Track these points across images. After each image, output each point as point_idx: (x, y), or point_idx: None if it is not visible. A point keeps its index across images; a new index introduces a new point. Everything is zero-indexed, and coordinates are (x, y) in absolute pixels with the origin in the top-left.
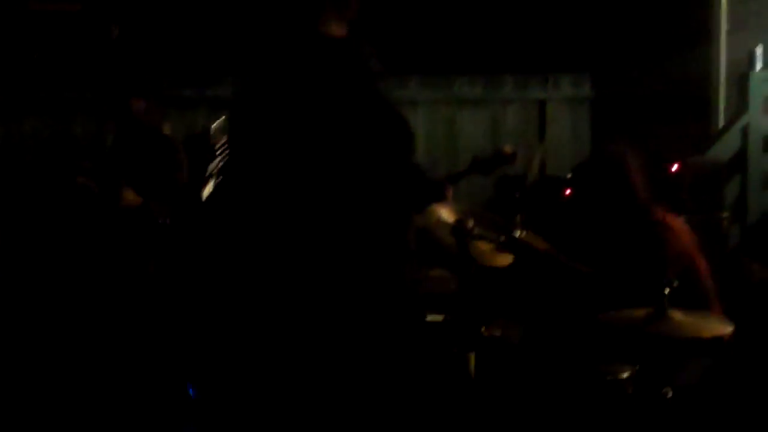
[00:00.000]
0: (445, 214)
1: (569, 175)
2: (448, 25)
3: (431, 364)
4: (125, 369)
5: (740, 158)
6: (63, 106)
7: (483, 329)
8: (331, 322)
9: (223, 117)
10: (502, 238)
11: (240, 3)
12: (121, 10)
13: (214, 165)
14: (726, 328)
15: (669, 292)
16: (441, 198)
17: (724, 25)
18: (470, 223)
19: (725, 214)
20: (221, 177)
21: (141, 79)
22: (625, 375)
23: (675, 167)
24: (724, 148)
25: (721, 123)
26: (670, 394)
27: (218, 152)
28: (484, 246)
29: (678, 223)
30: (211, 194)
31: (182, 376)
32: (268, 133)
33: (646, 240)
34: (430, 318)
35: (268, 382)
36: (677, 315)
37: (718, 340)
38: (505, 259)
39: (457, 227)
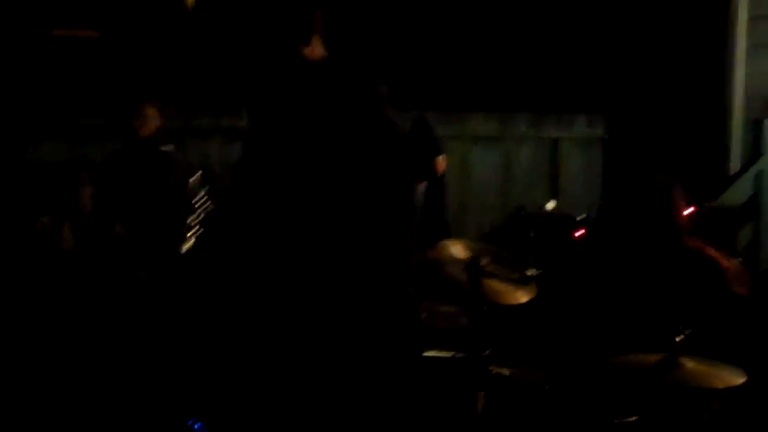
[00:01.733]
0: (459, 250)
1: (580, 217)
2: (464, 63)
3: (437, 401)
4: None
5: (753, 204)
6: (79, 132)
7: (492, 368)
8: (330, 338)
9: (199, 173)
10: (515, 276)
11: (245, 34)
12: (137, 39)
13: (193, 218)
14: (738, 379)
15: (681, 340)
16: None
17: (740, 72)
18: (484, 261)
19: (738, 260)
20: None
21: (150, 89)
22: (633, 419)
23: (688, 211)
24: (737, 194)
25: (735, 168)
26: None
27: (197, 206)
28: (496, 284)
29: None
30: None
31: (188, 406)
32: (267, 157)
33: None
34: (439, 354)
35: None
36: (689, 363)
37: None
38: (517, 298)
39: (471, 264)
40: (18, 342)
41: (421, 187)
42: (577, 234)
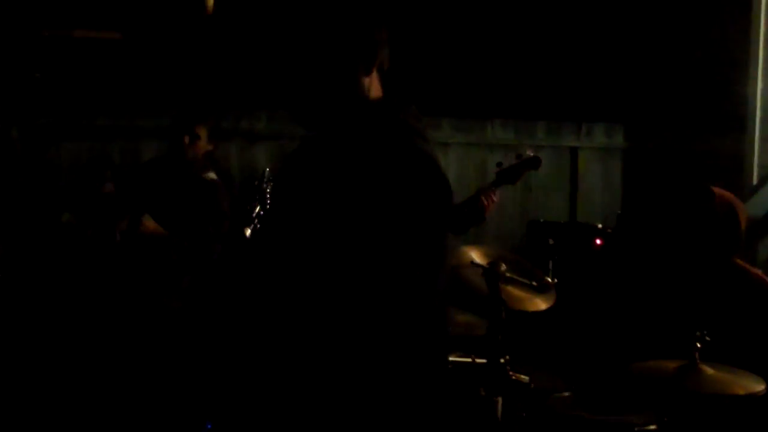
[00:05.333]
0: (477, 257)
1: (601, 226)
2: (483, 70)
3: (456, 405)
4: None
5: None
6: (99, 133)
7: (511, 373)
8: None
9: (267, 169)
10: (534, 283)
11: (279, 41)
12: (159, 39)
13: (260, 209)
14: (758, 386)
15: (701, 347)
16: (481, 216)
17: (759, 82)
18: (502, 267)
19: (759, 271)
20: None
21: (203, 114)
22: (653, 427)
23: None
24: (757, 205)
25: (756, 179)
26: None
27: (267, 195)
28: (515, 290)
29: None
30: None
31: (200, 410)
32: (305, 197)
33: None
34: (458, 359)
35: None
36: (709, 370)
37: (751, 396)
38: (536, 304)
39: (489, 270)
40: (37, 336)
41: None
42: (598, 243)
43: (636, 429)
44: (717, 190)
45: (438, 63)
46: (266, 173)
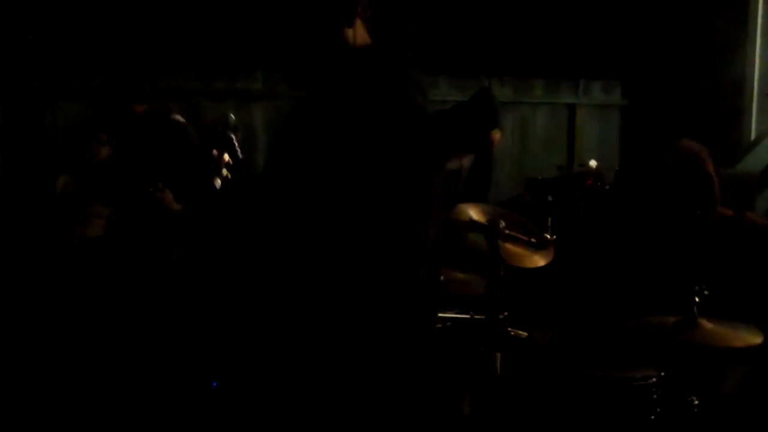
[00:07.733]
0: (476, 214)
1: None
2: (481, 28)
3: (453, 363)
4: (140, 364)
5: None
6: (95, 94)
7: (510, 330)
8: (337, 320)
9: (232, 116)
10: (533, 240)
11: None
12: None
13: (230, 158)
14: (756, 338)
15: (699, 301)
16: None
17: (758, 38)
18: (501, 224)
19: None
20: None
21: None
22: (652, 380)
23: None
24: (755, 161)
25: (754, 134)
26: (696, 402)
27: (234, 143)
28: (514, 248)
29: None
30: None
31: (201, 369)
32: (296, 146)
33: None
34: (457, 316)
35: (274, 379)
36: (707, 324)
37: (750, 349)
38: (535, 261)
39: (488, 228)
40: (39, 303)
41: (466, 160)
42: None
43: (634, 384)
44: (683, 142)
45: (436, 21)
46: (230, 119)
